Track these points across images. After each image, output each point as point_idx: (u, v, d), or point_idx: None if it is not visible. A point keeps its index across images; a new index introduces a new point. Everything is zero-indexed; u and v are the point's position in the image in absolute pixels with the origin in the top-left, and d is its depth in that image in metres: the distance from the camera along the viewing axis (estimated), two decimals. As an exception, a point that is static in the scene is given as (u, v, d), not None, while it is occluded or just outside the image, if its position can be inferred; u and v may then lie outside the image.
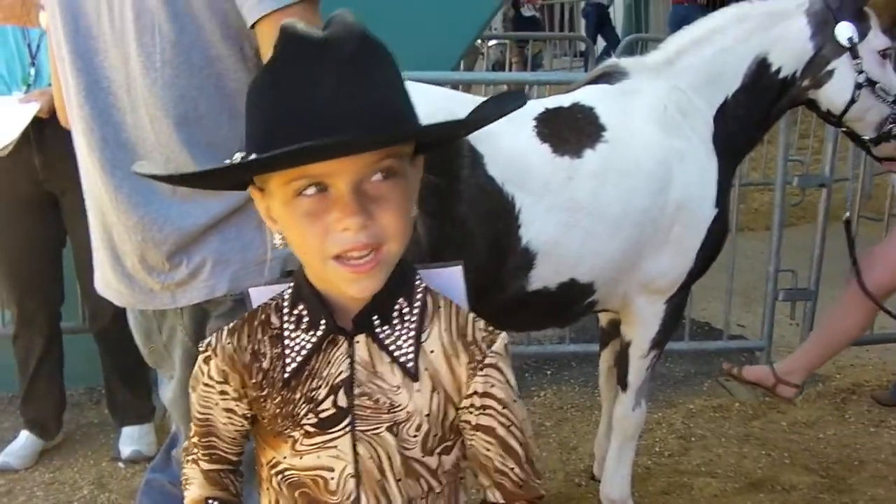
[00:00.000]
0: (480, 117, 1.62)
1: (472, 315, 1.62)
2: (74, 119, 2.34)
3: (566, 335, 5.54)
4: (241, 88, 2.16)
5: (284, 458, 1.61)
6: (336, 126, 1.36)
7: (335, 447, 1.57)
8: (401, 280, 1.57)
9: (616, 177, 3.40)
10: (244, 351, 1.62)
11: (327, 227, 1.43)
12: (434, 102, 3.01)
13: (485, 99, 1.77)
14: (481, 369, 1.57)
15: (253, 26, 2.11)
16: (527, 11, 9.89)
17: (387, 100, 1.43)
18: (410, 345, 1.56)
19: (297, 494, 1.61)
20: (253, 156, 1.43)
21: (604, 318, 4.00)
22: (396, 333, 1.56)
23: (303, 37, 1.42)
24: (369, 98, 1.40)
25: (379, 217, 1.44)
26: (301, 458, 1.58)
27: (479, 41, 8.02)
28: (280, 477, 1.62)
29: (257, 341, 1.61)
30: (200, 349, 1.68)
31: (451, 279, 1.68)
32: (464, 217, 3.20)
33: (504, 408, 1.59)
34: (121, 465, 4.53)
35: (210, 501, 1.75)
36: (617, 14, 17.26)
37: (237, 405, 1.66)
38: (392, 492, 1.58)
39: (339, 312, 1.57)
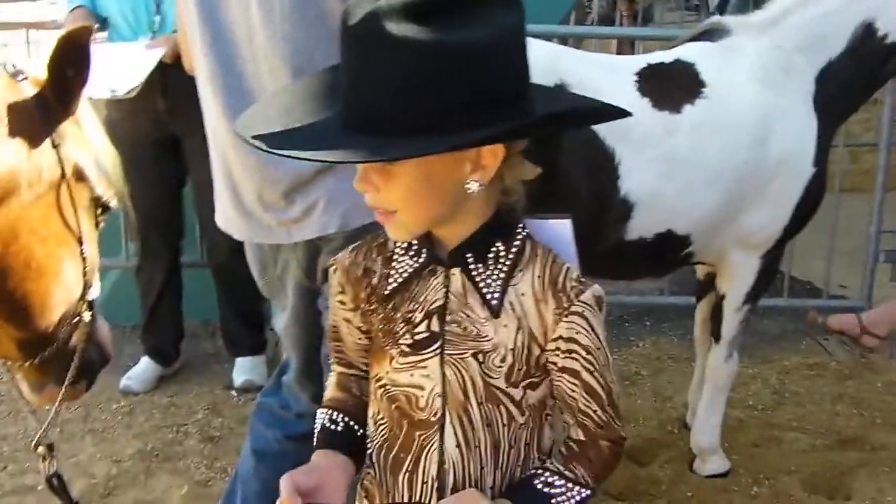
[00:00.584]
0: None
1: (567, 266, 1.74)
2: (199, 66, 2.52)
3: (665, 287, 5.62)
4: None
5: (386, 372, 1.78)
6: (340, 130, 1.56)
7: (426, 367, 1.74)
8: (498, 226, 1.72)
9: (715, 131, 3.49)
10: (358, 266, 1.81)
11: None
12: (540, 59, 3.12)
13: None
14: (566, 316, 1.69)
15: None
16: (636, -36, 9.87)
17: (400, 102, 1.51)
18: (499, 284, 1.71)
19: (393, 407, 1.79)
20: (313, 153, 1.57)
21: (701, 271, 4.09)
22: (488, 272, 1.71)
23: (355, 25, 1.52)
24: (378, 101, 1.52)
25: (383, 189, 1.61)
26: (398, 373, 1.76)
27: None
28: (382, 390, 1.80)
29: (371, 260, 1.80)
30: (329, 263, 1.87)
31: (558, 231, 1.82)
32: (566, 168, 3.32)
33: (588, 353, 1.70)
34: (233, 393, 4.80)
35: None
36: (734, -35, 16.94)
37: (353, 315, 1.84)
38: (474, 413, 1.73)
39: (443, 246, 1.74)
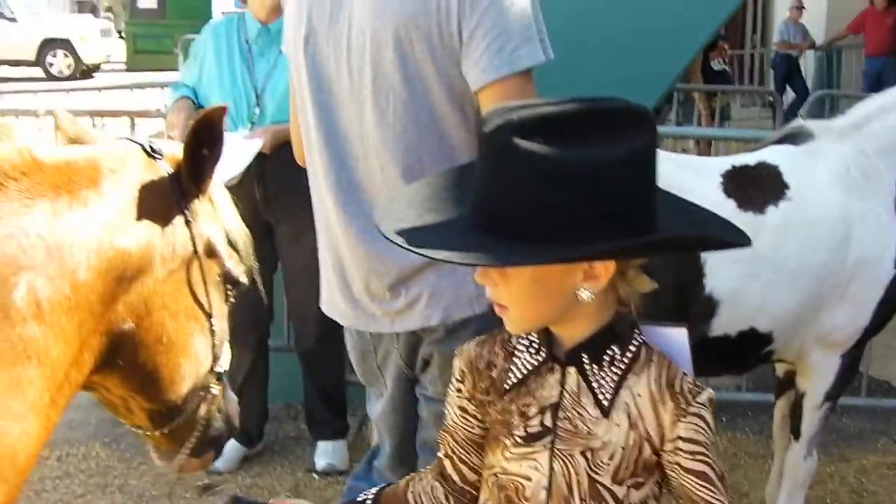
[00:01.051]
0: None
1: (682, 371, 1.85)
2: (314, 161, 2.68)
3: (743, 383, 5.65)
4: (461, 144, 2.48)
5: (498, 460, 1.90)
6: (468, 231, 1.70)
7: (535, 459, 1.85)
8: (613, 331, 1.83)
9: (797, 232, 3.59)
10: (482, 358, 1.95)
11: None
12: None
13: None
14: (685, 417, 1.78)
15: (478, 91, 2.41)
16: (717, 65, 10.02)
17: (518, 212, 1.66)
18: (612, 386, 1.82)
19: (501, 495, 1.89)
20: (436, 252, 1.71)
21: (780, 369, 4.15)
22: (602, 373, 1.82)
23: (487, 134, 1.69)
24: (498, 208, 1.68)
25: (500, 286, 1.77)
26: (509, 462, 1.87)
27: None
28: (493, 478, 1.92)
29: (494, 354, 1.93)
30: (455, 353, 2.00)
31: (673, 338, 1.93)
32: (653, 266, 3.42)
33: (708, 450, 1.80)
34: (315, 476, 4.89)
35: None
36: (808, 65, 17.11)
37: (468, 404, 1.97)
38: None
39: (561, 345, 1.86)
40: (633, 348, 1.84)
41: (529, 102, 1.75)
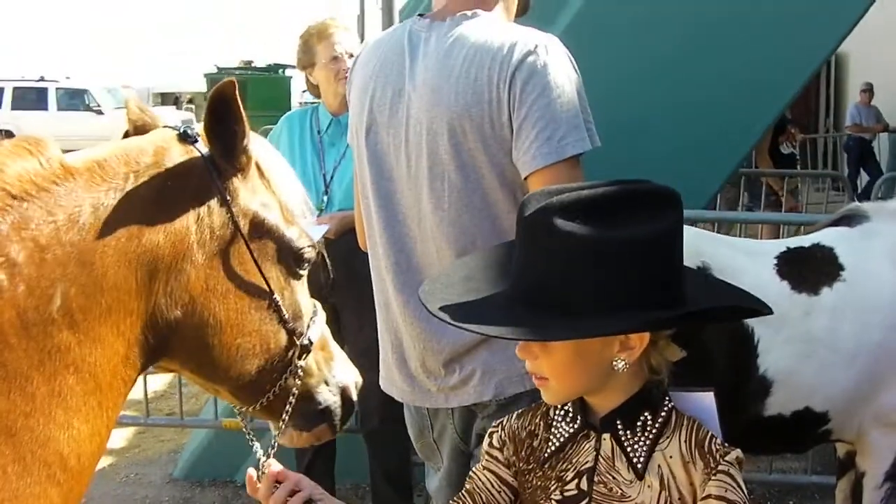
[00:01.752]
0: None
1: (710, 432, 1.93)
2: (375, 244, 2.83)
3: (809, 466, 5.62)
4: (513, 227, 2.60)
5: None
6: (510, 307, 1.82)
7: None
8: (645, 398, 1.93)
9: (852, 313, 3.64)
10: (524, 429, 2.06)
11: None
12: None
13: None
14: (715, 475, 1.87)
15: (527, 178, 2.54)
16: (785, 149, 10.05)
17: (553, 288, 1.79)
18: (645, 449, 1.91)
19: None
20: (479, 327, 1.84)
21: (841, 449, 4.15)
22: (636, 438, 1.92)
23: (529, 216, 1.83)
24: (533, 284, 1.81)
25: (541, 358, 1.87)
26: None
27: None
28: None
29: (535, 425, 2.04)
30: (493, 425, 2.11)
31: (701, 402, 2.02)
32: (707, 342, 3.52)
33: None
34: (382, 554, 4.95)
35: None
36: (882, 147, 17.04)
37: (504, 471, 2.05)
38: None
39: (595, 413, 1.96)
40: (664, 413, 1.93)
41: (568, 186, 1.88)
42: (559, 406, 2.00)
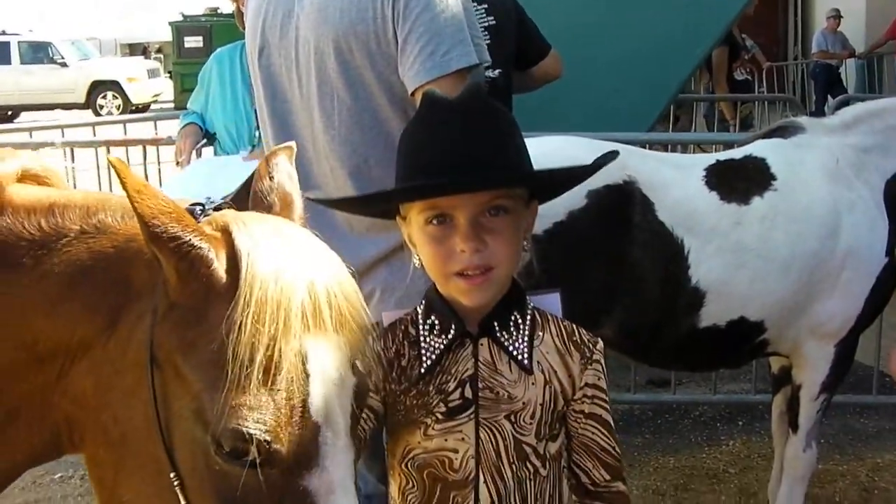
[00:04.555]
0: (570, 176, 2.07)
1: (575, 326, 1.97)
2: None
3: (753, 386, 5.61)
4: None
5: (418, 442, 1.93)
6: (455, 171, 1.79)
7: (460, 431, 1.90)
8: (515, 298, 1.93)
9: (785, 222, 3.60)
10: (388, 351, 1.97)
11: (450, 250, 1.83)
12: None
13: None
14: (591, 364, 1.93)
15: (413, 93, 2.53)
16: (739, 75, 10.09)
17: (499, 150, 1.83)
18: (524, 346, 1.90)
19: (424, 475, 1.93)
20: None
21: (776, 364, 4.13)
22: (513, 337, 1.91)
23: (434, 101, 1.89)
24: (483, 149, 1.81)
25: (491, 245, 1.82)
26: (431, 441, 1.91)
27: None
28: (411, 461, 1.95)
29: (399, 344, 1.98)
30: None
31: (551, 303, 2.04)
32: (637, 259, 3.49)
33: (605, 395, 1.95)
34: None
35: None
36: (849, 73, 17.02)
37: (371, 397, 1.91)
38: (505, 471, 1.89)
39: (469, 321, 1.92)
40: (528, 312, 1.94)
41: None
42: (420, 321, 1.95)
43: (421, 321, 1.95)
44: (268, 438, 1.38)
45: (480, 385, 1.89)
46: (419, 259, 1.91)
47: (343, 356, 1.49)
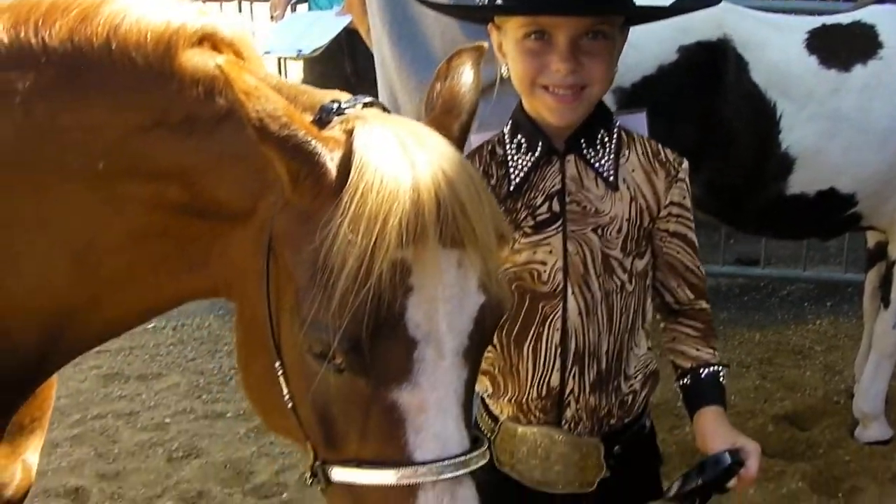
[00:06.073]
0: (676, 8, 2.04)
1: (660, 144, 1.97)
2: (371, 4, 2.77)
3: (844, 265, 5.51)
4: None
5: (508, 257, 1.94)
6: None
7: (549, 244, 1.93)
8: (601, 118, 1.94)
9: (887, 93, 3.48)
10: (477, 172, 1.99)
11: (543, 65, 1.84)
12: (709, 13, 3.30)
13: None
14: (676, 182, 1.95)
15: None
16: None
17: None
18: (611, 163, 1.92)
19: (514, 288, 1.94)
20: (499, 1, 1.89)
21: (871, 240, 4.05)
22: (599, 154, 1.92)
23: None
24: None
25: (587, 65, 1.83)
26: (519, 254, 1.93)
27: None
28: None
29: (487, 165, 1.99)
30: None
31: (638, 122, 2.08)
32: (727, 119, 3.42)
33: (690, 213, 1.98)
34: None
35: None
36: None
37: None
38: (592, 283, 1.93)
39: (556, 139, 1.93)
40: (615, 129, 1.95)
41: None
42: (507, 140, 1.97)
43: (508, 140, 1.98)
44: (346, 346, 1.38)
45: (567, 199, 1.92)
46: (507, 69, 1.93)
47: (460, 273, 1.43)
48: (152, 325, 5.38)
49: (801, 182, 3.49)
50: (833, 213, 3.61)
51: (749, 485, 1.88)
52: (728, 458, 1.82)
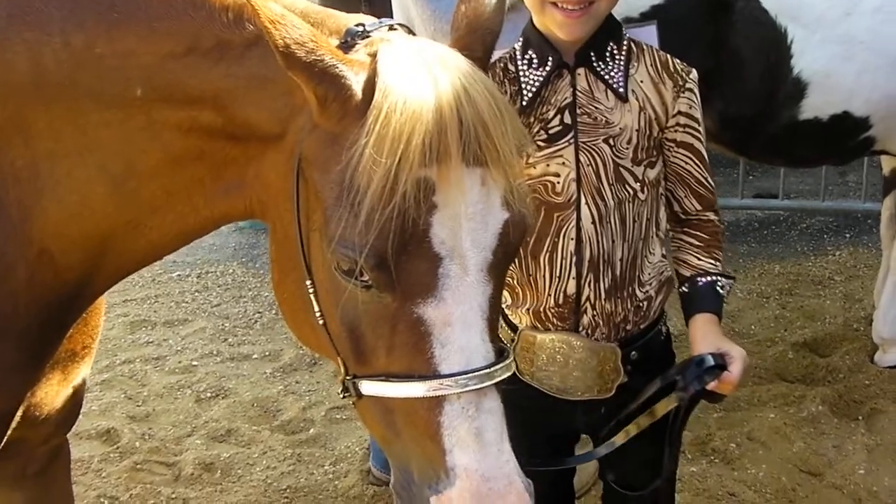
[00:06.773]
0: None
1: (668, 55, 2.01)
2: None
3: (864, 193, 5.51)
4: None
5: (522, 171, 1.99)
6: None
7: (561, 156, 1.98)
8: (610, 30, 1.98)
9: (900, 16, 3.47)
10: None
11: None
12: None
13: None
14: (683, 92, 1.99)
15: None
16: None
17: None
18: (620, 75, 1.97)
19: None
20: None
21: (887, 166, 4.06)
22: (609, 66, 1.97)
23: None
24: None
25: None
26: (533, 168, 1.98)
27: None
28: None
29: (499, 81, 2.02)
30: None
31: (648, 33, 2.14)
32: (737, 47, 3.43)
33: (699, 125, 2.02)
34: None
35: None
36: None
37: None
38: (606, 192, 1.98)
39: (565, 53, 1.98)
40: (625, 42, 1.99)
41: None
42: (518, 56, 2.01)
43: (519, 57, 2.01)
44: (372, 263, 1.44)
45: (579, 111, 1.97)
46: None
47: (483, 190, 1.48)
48: (177, 273, 5.48)
49: (814, 107, 3.49)
50: (847, 137, 3.61)
51: (731, 389, 1.91)
52: (710, 360, 1.87)
